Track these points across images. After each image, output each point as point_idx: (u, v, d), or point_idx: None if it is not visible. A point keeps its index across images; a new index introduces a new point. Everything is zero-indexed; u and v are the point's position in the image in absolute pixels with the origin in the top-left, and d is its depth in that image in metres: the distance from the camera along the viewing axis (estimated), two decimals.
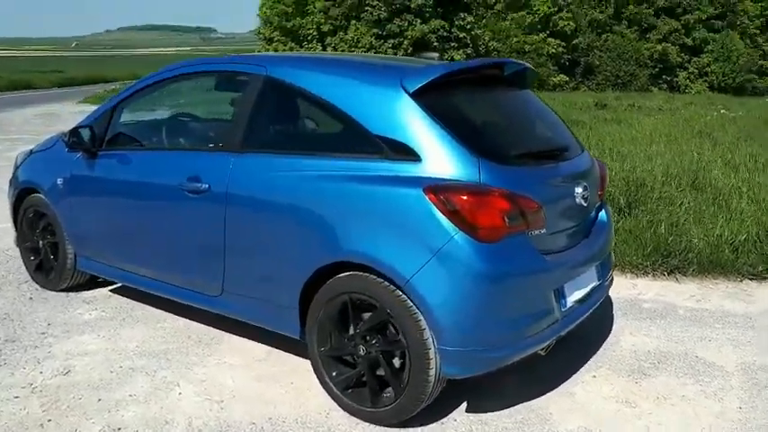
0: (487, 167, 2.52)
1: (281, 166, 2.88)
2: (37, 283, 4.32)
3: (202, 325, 3.69)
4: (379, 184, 2.58)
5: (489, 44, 29.06)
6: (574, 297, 2.84)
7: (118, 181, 3.59)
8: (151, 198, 3.41)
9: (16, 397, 2.93)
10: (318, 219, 2.73)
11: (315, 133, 3.07)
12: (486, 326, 2.50)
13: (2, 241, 5.23)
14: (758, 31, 32.35)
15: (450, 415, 2.83)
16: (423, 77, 2.68)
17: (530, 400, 2.96)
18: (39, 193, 4.10)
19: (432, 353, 2.51)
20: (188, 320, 3.76)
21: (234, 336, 3.57)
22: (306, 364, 3.17)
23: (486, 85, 3.02)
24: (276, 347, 3.41)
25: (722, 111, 16.31)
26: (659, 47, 30.46)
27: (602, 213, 3.26)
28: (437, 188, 2.45)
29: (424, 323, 2.51)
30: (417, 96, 2.64)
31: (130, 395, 2.96)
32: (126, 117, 3.89)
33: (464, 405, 2.90)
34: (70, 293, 4.19)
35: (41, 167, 4.12)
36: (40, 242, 4.22)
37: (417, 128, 2.59)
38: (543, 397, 3.00)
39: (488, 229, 2.42)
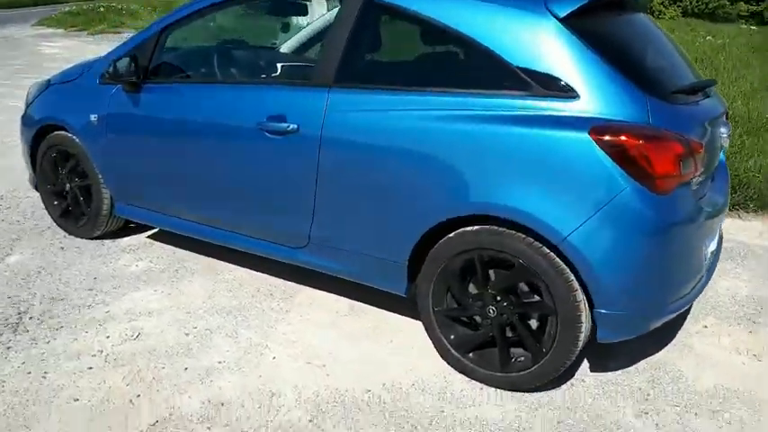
0: (655, 106, 2.19)
1: (392, 103, 2.49)
2: (64, 230, 3.87)
3: (269, 276, 3.35)
4: (526, 125, 2.23)
5: None
6: (710, 249, 2.60)
7: (172, 118, 3.13)
8: (217, 138, 2.97)
9: (90, 368, 2.58)
10: (444, 165, 2.37)
11: (435, 66, 2.63)
12: (650, 287, 2.24)
13: (4, 180, 4.69)
14: None
15: (576, 376, 2.61)
16: (573, 1, 2.30)
17: (650, 356, 2.76)
18: (65, 130, 3.59)
19: (583, 316, 2.25)
20: (249, 270, 3.41)
21: (307, 288, 3.25)
22: (396, 319, 2.93)
23: (622, 9, 2.65)
24: (357, 300, 3.11)
25: (708, 38, 16.10)
26: None
27: (721, 154, 2.99)
28: (607, 130, 2.12)
29: (575, 284, 2.24)
30: (568, 22, 2.26)
31: (219, 362, 2.64)
32: (172, 45, 3.38)
33: (586, 365, 2.68)
34: (105, 241, 3.77)
35: (67, 102, 3.59)
36: (67, 185, 3.75)
37: (572, 59, 2.23)
38: (662, 351, 2.80)
39: (665, 178, 2.12)
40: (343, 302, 3.12)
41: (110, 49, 3.64)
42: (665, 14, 28.84)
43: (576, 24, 2.27)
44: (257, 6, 3.43)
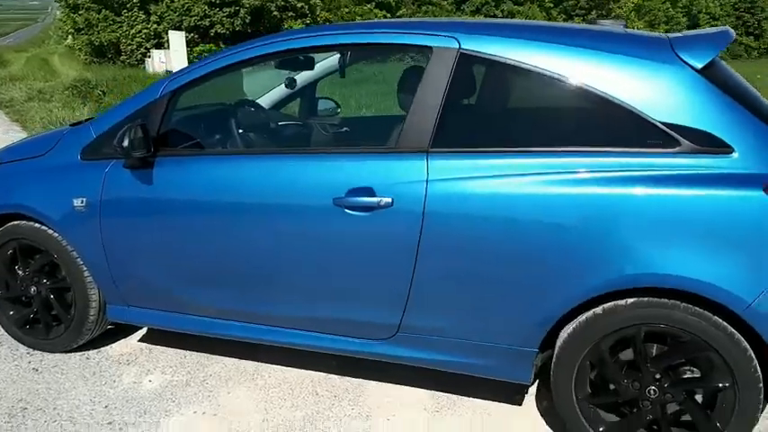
0: None
1: (508, 168, 2.18)
2: (24, 344, 3.07)
3: (315, 372, 2.85)
4: (683, 185, 2.02)
5: (320, 14, 28.21)
6: None
7: (204, 200, 2.55)
8: (272, 220, 2.46)
9: None
10: (587, 235, 2.09)
11: (558, 124, 2.34)
12: None
13: None
14: None
15: None
16: (709, 49, 2.15)
17: None
18: (29, 220, 2.86)
19: (761, 383, 2.07)
20: (290, 369, 2.89)
21: (370, 382, 2.79)
22: (495, 408, 2.57)
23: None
24: (435, 390, 2.71)
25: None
26: None
27: None
28: None
29: (751, 352, 2.05)
30: (704, 73, 2.12)
31: None
32: (185, 110, 2.83)
33: None
34: (87, 353, 3.04)
35: (33, 184, 2.86)
36: (32, 289, 2.98)
37: (720, 112, 2.07)
38: None
39: None
40: (421, 394, 2.70)
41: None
42: None
43: (709, 75, 2.13)
44: (286, 62, 2.95)
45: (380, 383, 2.77)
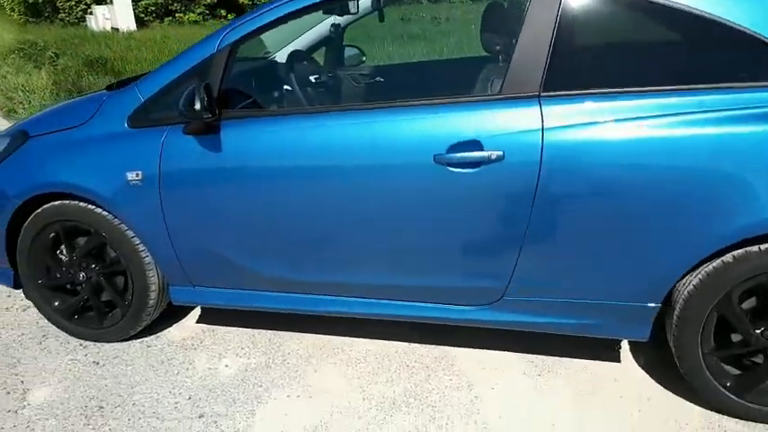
0: None
1: (638, 110, 2.01)
2: (75, 335, 2.83)
3: (399, 343, 2.72)
4: None
5: None
6: None
7: (283, 165, 2.32)
8: (363, 183, 2.25)
9: None
10: (720, 179, 1.96)
11: (691, 59, 2.14)
12: None
13: None
14: None
15: None
16: None
17: None
18: (74, 199, 2.58)
19: None
20: (371, 341, 2.75)
21: (457, 349, 2.67)
22: (593, 367, 2.49)
23: None
24: (524, 352, 2.62)
25: None
26: None
27: None
28: None
29: None
30: None
31: None
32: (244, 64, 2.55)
33: None
34: (144, 340, 2.82)
35: (75, 159, 2.56)
36: (81, 274, 2.71)
37: None
38: None
39: None
40: (511, 358, 2.60)
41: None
42: None
43: None
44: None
45: (466, 350, 2.66)
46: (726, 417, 2.22)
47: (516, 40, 2.12)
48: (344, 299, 2.48)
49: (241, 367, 2.60)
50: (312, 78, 2.85)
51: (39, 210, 2.65)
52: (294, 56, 3.03)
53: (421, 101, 2.23)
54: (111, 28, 17.45)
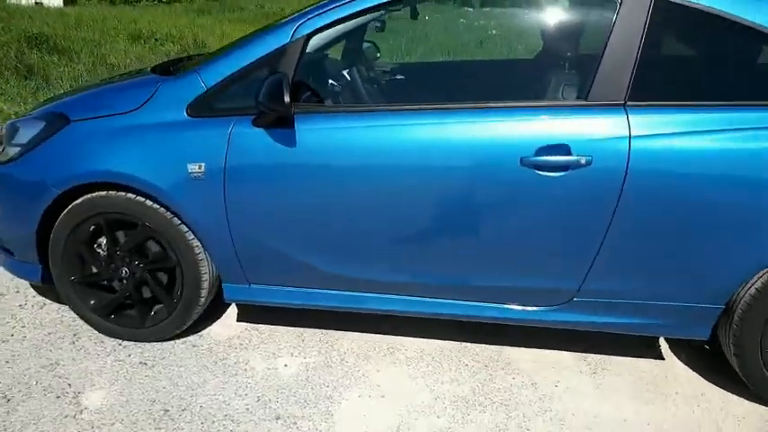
0: None
1: (720, 122, 2.12)
2: (113, 335, 2.68)
3: (444, 342, 2.75)
4: None
5: None
6: None
7: (358, 162, 2.27)
8: (444, 184, 2.25)
9: None
10: None
11: (749, 75, 2.27)
12: None
13: None
14: None
15: None
16: None
17: None
18: (122, 190, 2.43)
19: None
20: (413, 339, 2.76)
21: (509, 348, 2.73)
22: (645, 365, 2.61)
23: None
24: (573, 351, 2.71)
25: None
26: None
27: None
28: None
29: None
30: None
31: None
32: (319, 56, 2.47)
33: None
34: (187, 340, 2.70)
35: (130, 147, 2.40)
36: (124, 270, 2.57)
37: None
38: None
39: None
40: (564, 357, 2.69)
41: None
42: None
43: None
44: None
45: (517, 349, 2.73)
46: None
47: (603, 51, 2.18)
48: (413, 298, 2.48)
49: (301, 367, 2.54)
50: (371, 73, 2.81)
51: (79, 200, 2.48)
52: (365, 50, 2.97)
53: (507, 103, 2.26)
54: (35, 2, 16.39)
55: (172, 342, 2.66)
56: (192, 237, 2.47)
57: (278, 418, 2.24)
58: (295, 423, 2.22)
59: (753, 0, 2.16)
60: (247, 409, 2.28)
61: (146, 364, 2.52)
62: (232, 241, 2.44)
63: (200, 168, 2.33)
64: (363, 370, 2.54)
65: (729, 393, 2.48)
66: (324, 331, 2.78)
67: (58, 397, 2.30)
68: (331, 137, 2.29)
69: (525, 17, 2.85)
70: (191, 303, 2.57)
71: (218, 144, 2.32)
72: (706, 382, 2.56)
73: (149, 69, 2.82)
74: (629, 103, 2.16)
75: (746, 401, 2.44)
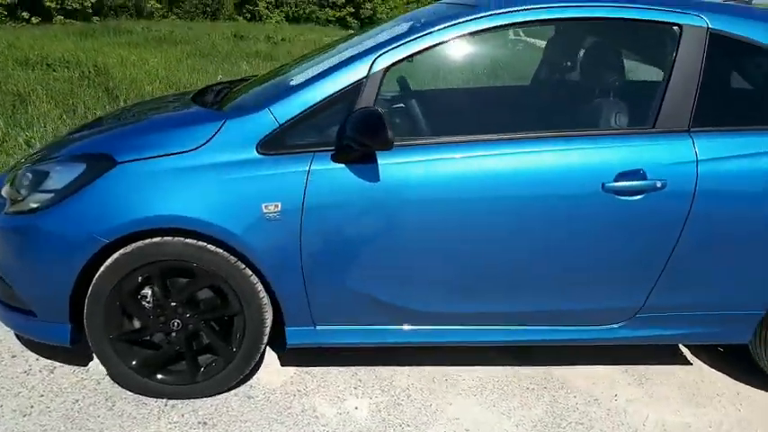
0: None
1: (765, 144, 2.38)
2: (158, 394, 2.42)
3: (491, 368, 2.78)
4: None
5: None
6: None
7: (441, 196, 2.26)
8: (532, 213, 2.30)
9: None
10: None
11: None
12: None
13: None
14: None
15: None
16: None
17: None
18: (185, 235, 2.24)
19: None
20: (462, 368, 2.76)
21: (550, 368, 2.80)
22: (671, 371, 2.84)
23: None
24: (610, 365, 2.85)
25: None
26: None
27: None
28: None
29: None
30: None
31: None
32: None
33: None
34: (235, 392, 2.51)
35: (197, 189, 2.20)
36: (175, 322, 2.35)
37: None
38: None
39: None
40: (605, 371, 2.82)
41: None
42: (270, 18, 30.62)
43: None
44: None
45: (563, 368, 2.81)
46: None
47: (667, 82, 2.34)
48: (487, 328, 2.49)
49: (372, 408, 2.45)
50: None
51: (128, 249, 2.23)
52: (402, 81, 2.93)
53: (586, 131, 2.37)
54: None
55: (222, 397, 2.46)
56: (257, 281, 2.31)
57: None
58: None
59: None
60: None
61: (205, 423, 2.31)
62: (303, 282, 2.31)
63: (276, 208, 2.20)
64: (435, 405, 2.50)
65: (760, 390, 2.72)
66: (375, 368, 2.70)
67: None
68: (414, 171, 2.25)
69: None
70: (252, 352, 2.39)
71: (296, 182, 2.21)
72: (733, 380, 2.78)
73: (190, 99, 2.61)
74: (692, 129, 2.33)
75: None
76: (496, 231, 2.31)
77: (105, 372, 2.51)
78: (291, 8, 31.58)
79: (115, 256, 2.24)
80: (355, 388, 2.57)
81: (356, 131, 2.12)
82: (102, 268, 2.25)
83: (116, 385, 2.46)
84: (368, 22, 31.88)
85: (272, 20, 30.57)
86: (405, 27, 2.45)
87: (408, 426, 2.36)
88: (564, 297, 2.46)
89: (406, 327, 2.46)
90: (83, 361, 2.61)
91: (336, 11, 32.44)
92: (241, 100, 2.59)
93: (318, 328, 2.43)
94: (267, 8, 31.61)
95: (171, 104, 2.96)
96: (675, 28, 2.37)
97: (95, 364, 2.57)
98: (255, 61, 10.92)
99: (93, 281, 2.26)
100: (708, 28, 2.36)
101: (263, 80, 2.89)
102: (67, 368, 2.58)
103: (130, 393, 2.43)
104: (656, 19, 2.39)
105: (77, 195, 2.22)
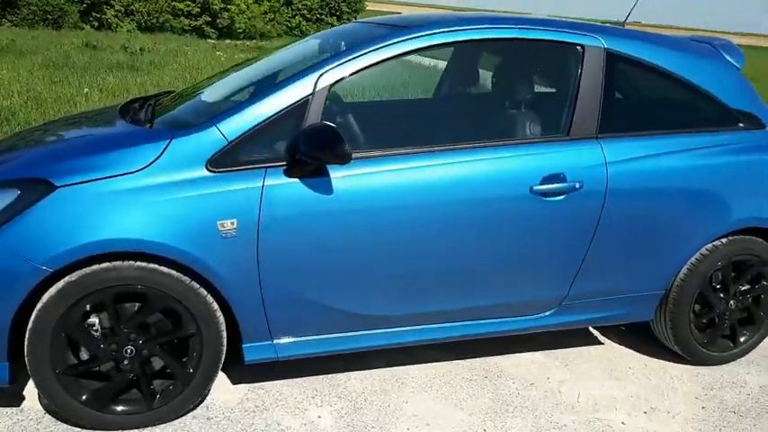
0: None
1: (656, 147, 2.72)
2: (114, 426, 2.31)
3: (437, 363, 2.94)
4: (756, 154, 2.91)
5: None
6: None
7: (390, 204, 2.38)
8: (470, 218, 2.48)
9: None
10: (710, 194, 2.80)
11: (672, 111, 2.84)
12: None
13: None
14: None
15: None
16: (737, 51, 3.04)
17: None
18: (133, 259, 2.17)
19: None
20: (419, 365, 2.89)
21: (491, 358, 3.01)
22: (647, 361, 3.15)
23: None
24: (547, 349, 3.11)
25: (218, 53, 17.17)
26: None
27: None
28: None
29: None
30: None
31: None
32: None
33: None
34: (192, 414, 2.45)
35: (148, 210, 2.13)
36: (128, 348, 2.25)
37: (756, 98, 3.01)
38: None
39: None
40: (537, 356, 3.07)
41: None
42: (121, 27, 29.12)
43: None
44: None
45: (496, 357, 3.02)
46: None
47: (576, 94, 2.64)
48: (436, 326, 2.63)
49: (334, 416, 2.49)
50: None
51: (73, 276, 2.12)
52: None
53: (513, 140, 2.61)
54: None
55: (179, 422, 2.39)
56: (212, 300, 2.28)
57: None
58: None
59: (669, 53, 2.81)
60: None
61: None
62: (261, 297, 2.32)
63: (232, 225, 2.20)
64: (392, 405, 2.59)
65: (661, 360, 3.09)
66: (328, 376, 2.74)
67: None
68: (366, 181, 2.34)
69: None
70: (210, 372, 2.35)
71: (250, 198, 2.22)
72: (639, 354, 3.14)
73: (118, 115, 2.50)
74: (599, 135, 2.64)
75: (680, 365, 3.06)
76: (439, 235, 2.47)
77: (43, 410, 2.34)
78: (143, 17, 30.19)
79: (59, 285, 2.11)
80: (313, 397, 2.60)
81: (311, 147, 2.18)
82: (44, 299, 2.12)
83: (59, 422, 2.31)
84: (226, 32, 31.26)
85: (124, 29, 29.04)
86: (334, 46, 2.54)
87: (374, 428, 2.44)
88: (504, 291, 2.66)
89: (361, 332, 2.53)
90: (15, 401, 2.41)
91: (192, 20, 31.45)
92: (182, 116, 2.53)
93: (276, 341, 2.43)
94: (117, 17, 29.98)
95: (96, 121, 2.81)
96: (579, 48, 2.67)
97: (30, 402, 2.39)
98: (120, 73, 10.34)
99: (35, 313, 2.12)
100: (604, 48, 2.68)
101: (192, 94, 2.84)
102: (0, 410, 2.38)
103: (78, 430, 2.29)
104: (563, 40, 2.69)
105: (12, 224, 2.07)
